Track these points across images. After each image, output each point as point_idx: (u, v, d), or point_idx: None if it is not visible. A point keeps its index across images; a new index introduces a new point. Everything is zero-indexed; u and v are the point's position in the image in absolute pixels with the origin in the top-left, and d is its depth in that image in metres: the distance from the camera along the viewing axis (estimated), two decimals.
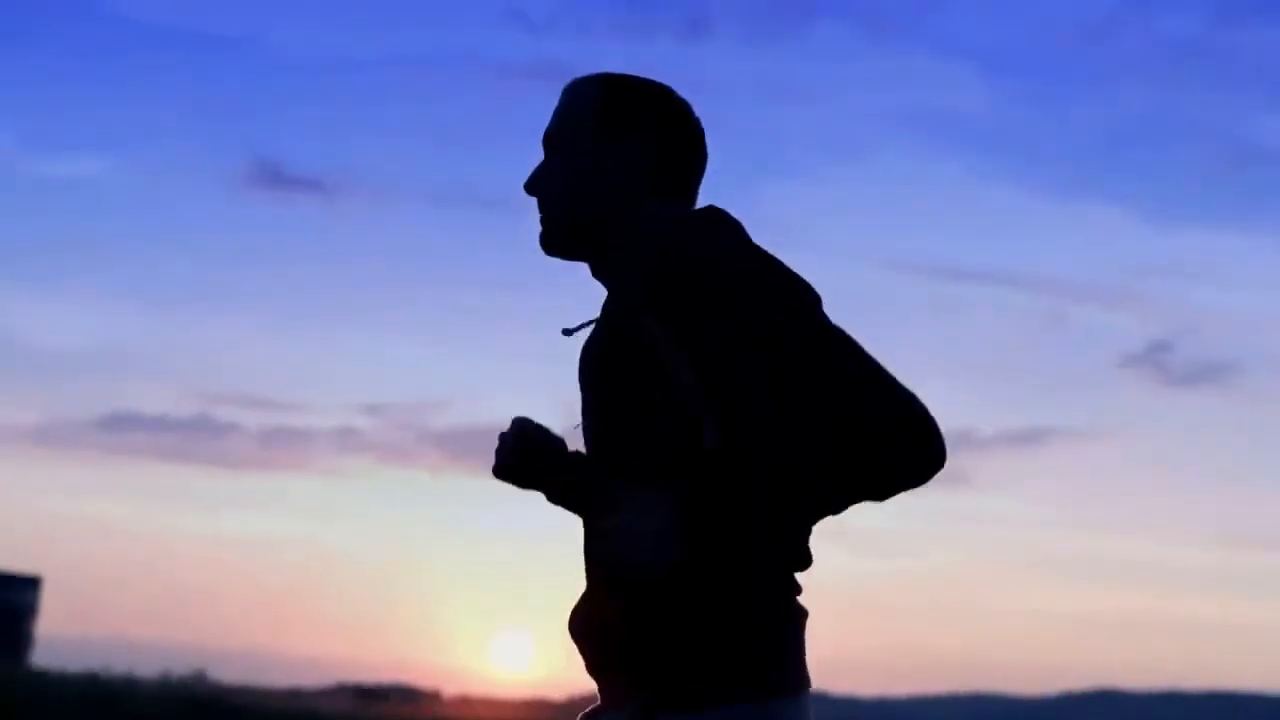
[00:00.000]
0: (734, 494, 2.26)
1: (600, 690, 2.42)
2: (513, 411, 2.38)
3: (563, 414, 2.49)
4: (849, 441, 2.25)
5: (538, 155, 2.52)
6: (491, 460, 2.39)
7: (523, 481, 2.39)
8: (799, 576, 2.37)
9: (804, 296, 2.31)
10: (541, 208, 2.47)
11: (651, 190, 2.43)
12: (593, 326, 2.47)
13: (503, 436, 2.39)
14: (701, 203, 2.48)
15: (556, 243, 2.47)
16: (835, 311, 2.34)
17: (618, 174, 2.42)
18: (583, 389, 2.47)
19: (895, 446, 2.27)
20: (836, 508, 2.31)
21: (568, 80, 2.52)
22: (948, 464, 2.33)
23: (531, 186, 2.48)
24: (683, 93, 2.50)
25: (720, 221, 2.39)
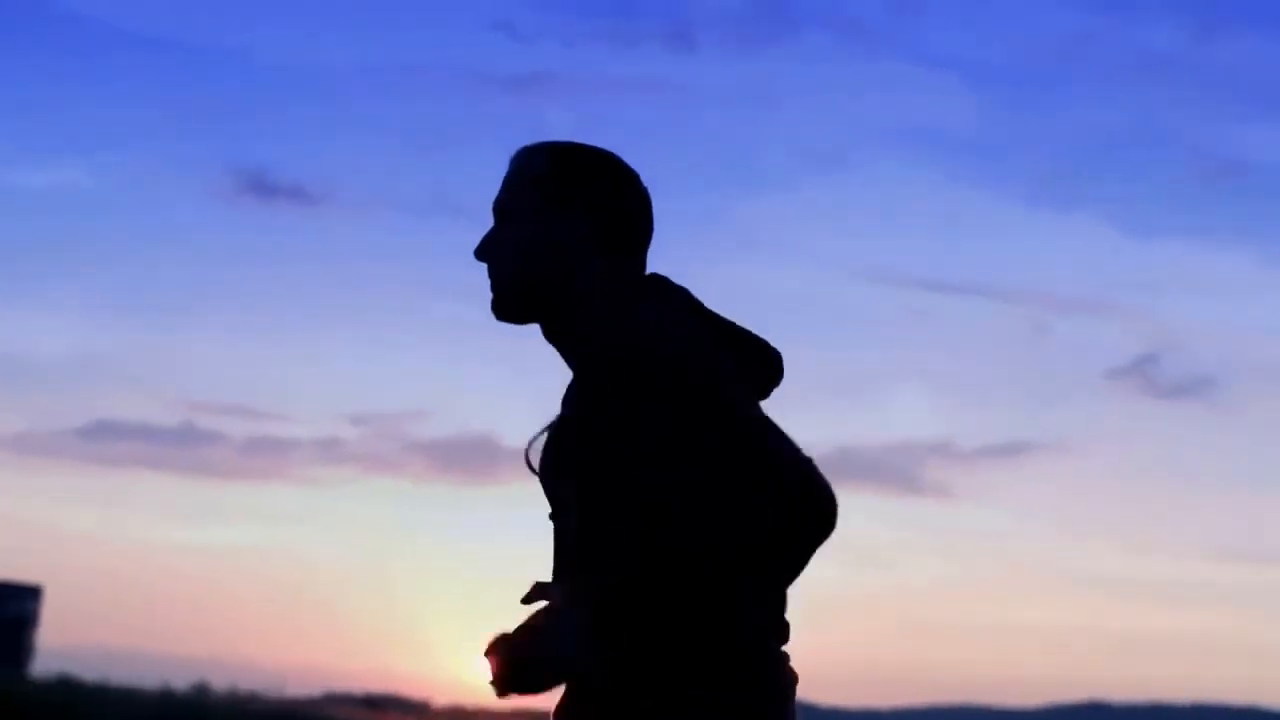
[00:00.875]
0: (679, 588, 2.26)
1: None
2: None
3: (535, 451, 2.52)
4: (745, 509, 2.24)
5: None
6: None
7: (532, 688, 2.37)
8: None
9: (720, 387, 2.30)
10: (491, 274, 2.53)
11: (597, 260, 2.47)
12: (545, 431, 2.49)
13: (488, 657, 2.38)
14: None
15: (506, 308, 2.52)
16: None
17: (565, 240, 2.47)
18: (547, 483, 2.49)
19: (793, 509, 2.23)
20: (781, 581, 2.34)
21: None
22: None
23: (481, 253, 2.54)
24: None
25: (664, 292, 2.44)
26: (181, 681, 23.25)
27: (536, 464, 2.50)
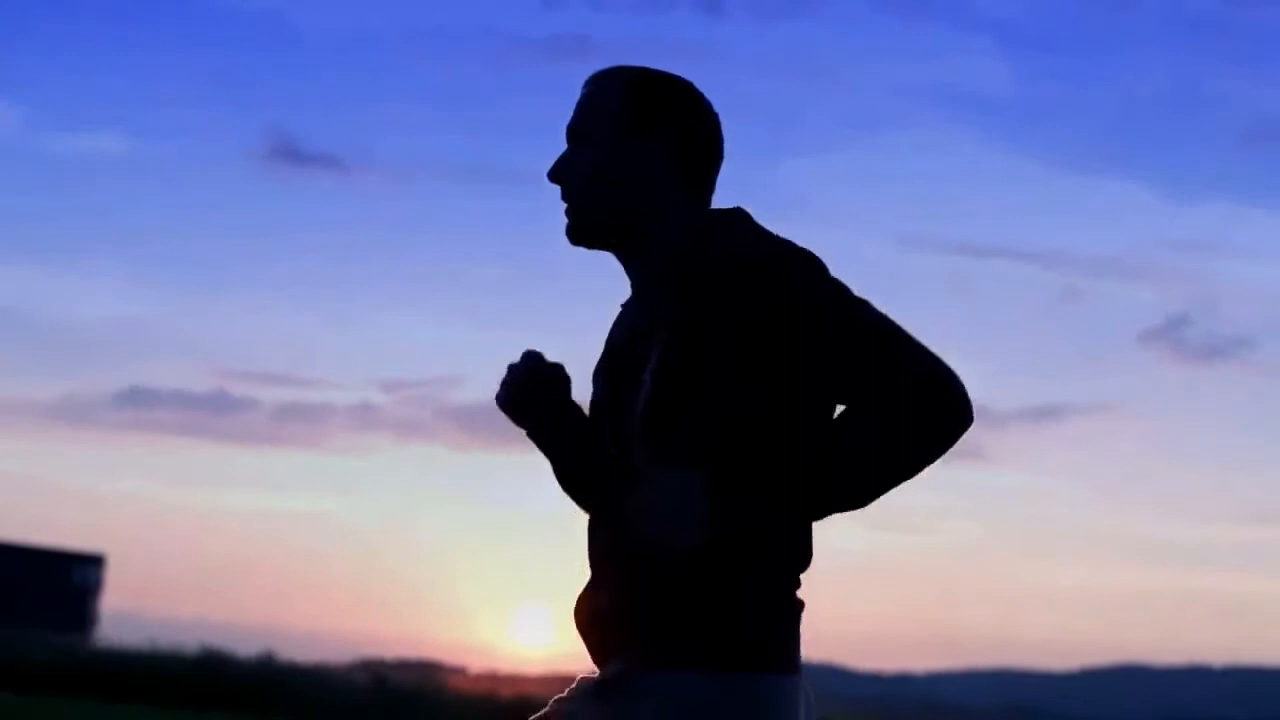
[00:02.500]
0: (761, 481, 2.32)
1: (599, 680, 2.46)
2: None
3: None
4: (877, 419, 2.32)
5: (554, 131, 2.57)
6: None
7: (522, 415, 2.53)
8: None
9: (825, 275, 2.37)
10: (567, 199, 2.52)
11: (674, 184, 2.48)
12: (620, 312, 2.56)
13: (512, 367, 2.52)
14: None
15: (583, 235, 2.52)
16: (852, 286, 2.39)
17: (642, 168, 2.47)
18: (596, 394, 2.55)
19: (924, 411, 2.32)
20: (868, 495, 2.36)
21: (585, 58, 2.59)
22: (967, 439, 2.38)
23: (556, 176, 2.53)
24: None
25: (742, 219, 2.46)
26: (219, 645, 23.95)
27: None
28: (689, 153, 2.49)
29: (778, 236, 2.42)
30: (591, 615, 2.46)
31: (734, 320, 2.33)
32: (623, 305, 2.56)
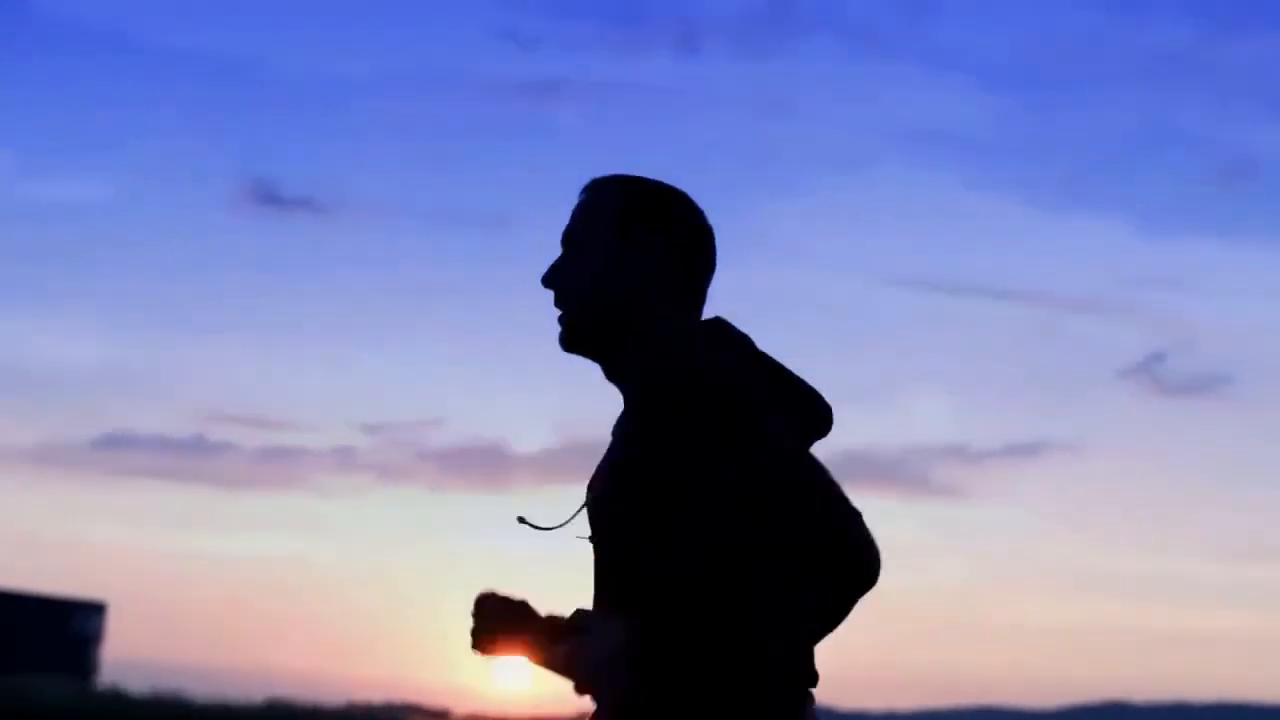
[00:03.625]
0: (707, 623, 2.29)
1: None
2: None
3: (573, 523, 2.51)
4: (812, 579, 2.32)
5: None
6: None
7: (503, 647, 2.39)
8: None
9: (778, 440, 2.33)
10: (561, 305, 2.52)
11: (666, 294, 2.48)
12: (548, 530, 2.51)
13: (473, 612, 2.40)
14: (710, 216, 2.59)
15: (577, 340, 2.51)
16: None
17: (637, 276, 2.47)
18: (591, 511, 2.49)
19: (841, 572, 2.33)
20: (810, 640, 2.39)
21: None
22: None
23: (550, 282, 2.53)
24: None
25: (726, 335, 2.46)
26: (203, 691, 23.91)
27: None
28: (682, 259, 2.49)
29: (719, 358, 2.40)
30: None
31: (680, 449, 2.31)
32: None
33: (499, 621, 2.37)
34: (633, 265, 2.48)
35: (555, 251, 2.57)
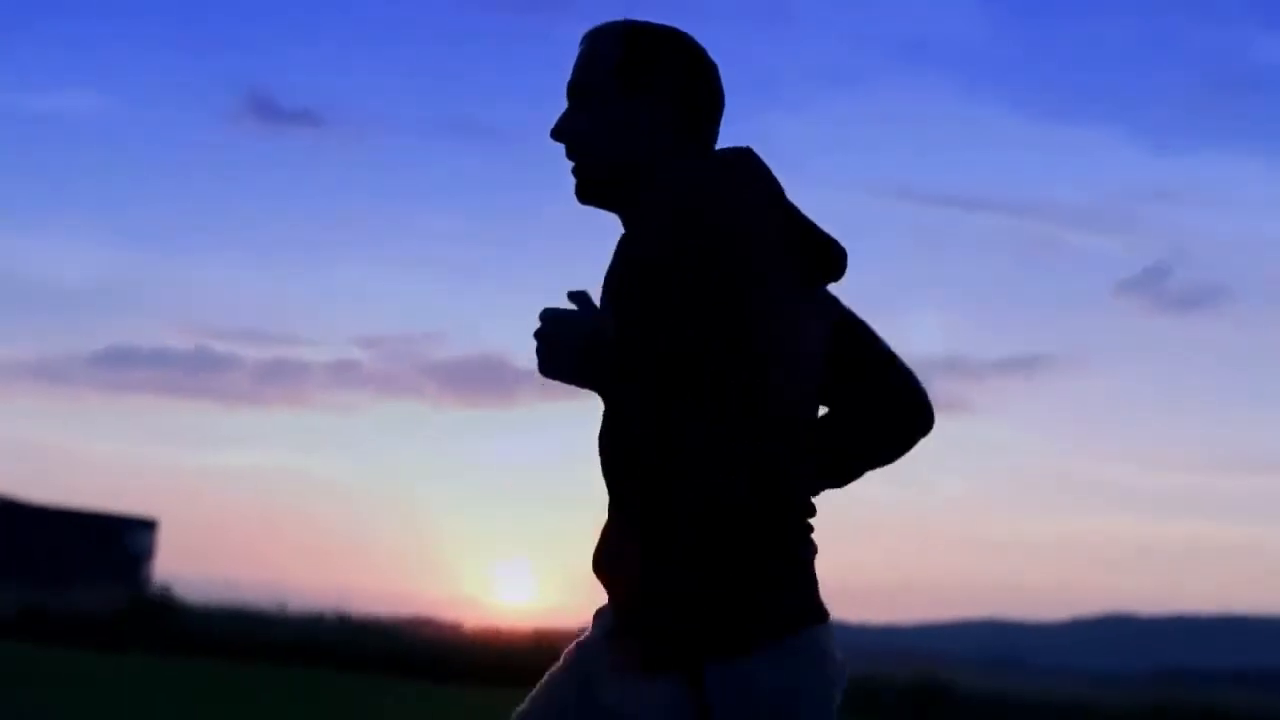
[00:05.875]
0: (772, 435, 2.35)
1: (623, 627, 2.44)
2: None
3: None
4: (848, 418, 2.49)
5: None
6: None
7: (567, 372, 2.36)
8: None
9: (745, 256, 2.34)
10: (573, 157, 2.51)
11: (677, 134, 2.48)
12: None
13: (537, 334, 2.38)
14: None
15: (591, 191, 2.51)
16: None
17: (645, 121, 2.47)
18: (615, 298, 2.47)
19: (890, 419, 2.48)
20: (839, 476, 2.50)
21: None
22: (945, 390, 2.72)
23: (559, 135, 2.52)
24: (676, 18, 2.53)
25: (747, 167, 2.46)
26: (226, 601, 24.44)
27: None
28: (689, 102, 2.49)
29: (766, 192, 2.43)
30: (611, 564, 2.44)
31: (690, 285, 2.30)
32: None
33: (561, 332, 2.35)
34: (640, 112, 2.48)
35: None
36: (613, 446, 2.41)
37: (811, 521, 2.43)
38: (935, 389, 2.44)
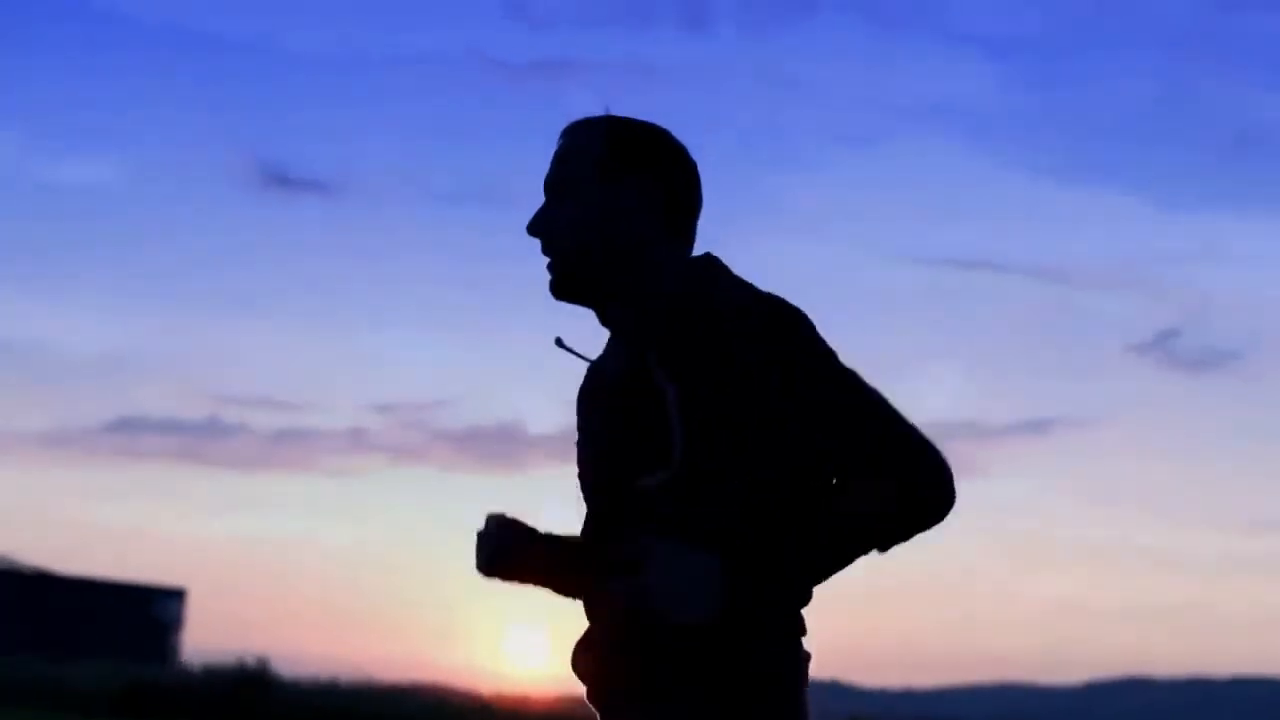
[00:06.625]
0: (774, 557, 2.30)
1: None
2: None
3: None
4: (853, 484, 2.32)
5: (544, 155, 2.53)
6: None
7: (512, 572, 2.41)
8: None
9: (811, 338, 2.34)
10: (549, 253, 2.47)
11: (656, 231, 2.45)
12: (587, 360, 2.52)
13: (480, 535, 2.40)
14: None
15: (567, 287, 2.47)
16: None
17: (624, 216, 2.44)
18: (590, 425, 2.50)
19: (901, 485, 2.30)
20: (840, 562, 2.34)
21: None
22: (959, 452, 2.30)
23: (535, 229, 2.48)
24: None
25: (721, 267, 2.45)
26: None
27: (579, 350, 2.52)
28: (670, 199, 2.45)
29: (758, 292, 2.40)
30: (595, 670, 2.43)
31: (741, 373, 2.30)
32: (608, 345, 2.53)
33: (515, 543, 2.38)
34: (619, 208, 2.43)
35: None
36: (655, 510, 2.36)
37: (804, 625, 2.41)
38: (949, 451, 2.36)
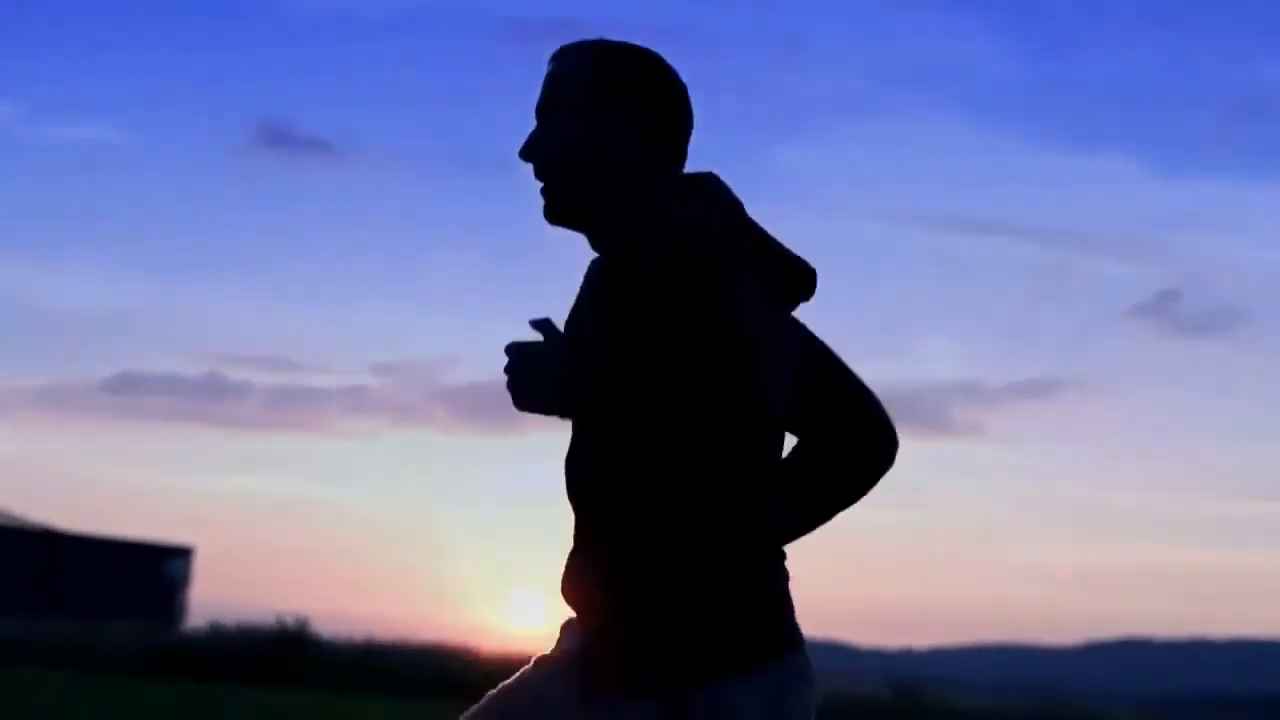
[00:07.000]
0: (751, 462, 2.34)
1: (597, 652, 2.42)
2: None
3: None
4: (813, 449, 2.35)
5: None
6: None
7: (543, 404, 2.42)
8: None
9: (768, 279, 2.35)
10: (542, 177, 2.49)
11: (646, 153, 2.46)
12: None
13: (506, 369, 2.42)
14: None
15: (560, 211, 2.49)
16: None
17: (614, 139, 2.46)
18: (594, 328, 2.48)
19: (854, 454, 2.34)
20: (805, 529, 2.38)
21: (570, 40, 2.53)
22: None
23: (527, 154, 2.50)
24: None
25: (709, 185, 2.46)
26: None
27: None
28: (659, 121, 2.47)
29: (734, 215, 2.41)
30: (587, 593, 2.44)
31: (669, 308, 2.32)
32: (591, 263, 2.55)
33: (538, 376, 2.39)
34: (608, 131, 2.46)
35: None
36: (585, 470, 2.43)
37: (785, 550, 2.43)
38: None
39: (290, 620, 23.08)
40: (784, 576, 2.41)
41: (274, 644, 22.33)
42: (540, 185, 2.50)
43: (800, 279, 2.41)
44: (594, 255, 2.53)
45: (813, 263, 2.40)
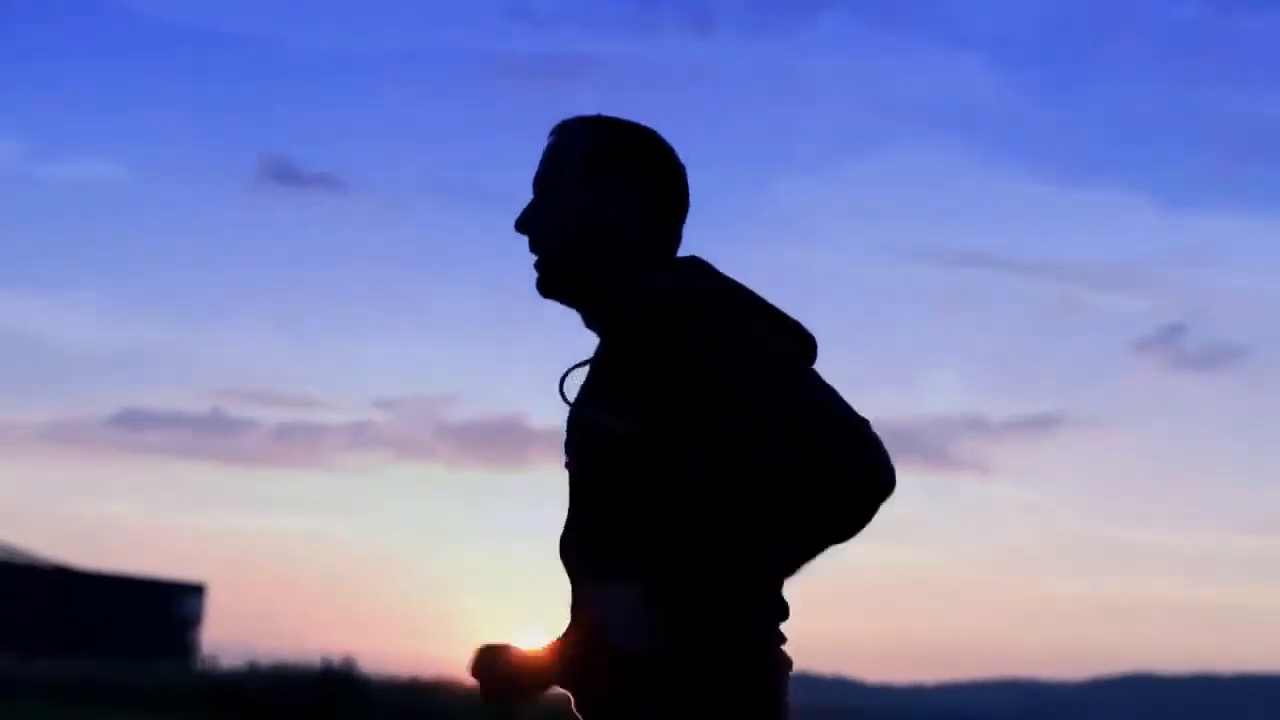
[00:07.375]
0: (715, 570, 2.27)
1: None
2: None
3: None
4: (809, 486, 2.23)
5: (541, 150, 2.53)
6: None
7: (512, 699, 2.41)
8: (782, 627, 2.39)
9: (780, 348, 2.31)
10: (536, 249, 2.48)
11: (640, 236, 2.45)
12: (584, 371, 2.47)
13: (473, 671, 2.42)
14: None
15: (553, 284, 2.47)
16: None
17: (609, 216, 2.43)
18: (570, 452, 2.46)
19: (840, 493, 2.23)
20: (803, 558, 2.31)
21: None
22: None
23: (522, 225, 2.49)
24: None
25: (701, 269, 2.42)
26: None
27: (570, 395, 2.48)
28: (658, 189, 2.46)
29: (711, 280, 2.38)
30: (575, 679, 2.40)
31: (644, 367, 2.29)
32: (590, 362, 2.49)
33: (502, 671, 2.38)
34: (605, 207, 2.44)
35: None
36: (595, 555, 2.36)
37: (783, 635, 2.38)
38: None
39: (336, 660, 22.91)
40: (775, 670, 2.35)
41: (318, 684, 22.12)
42: (534, 259, 2.49)
43: (801, 343, 2.40)
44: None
45: (815, 297, 2.49)
